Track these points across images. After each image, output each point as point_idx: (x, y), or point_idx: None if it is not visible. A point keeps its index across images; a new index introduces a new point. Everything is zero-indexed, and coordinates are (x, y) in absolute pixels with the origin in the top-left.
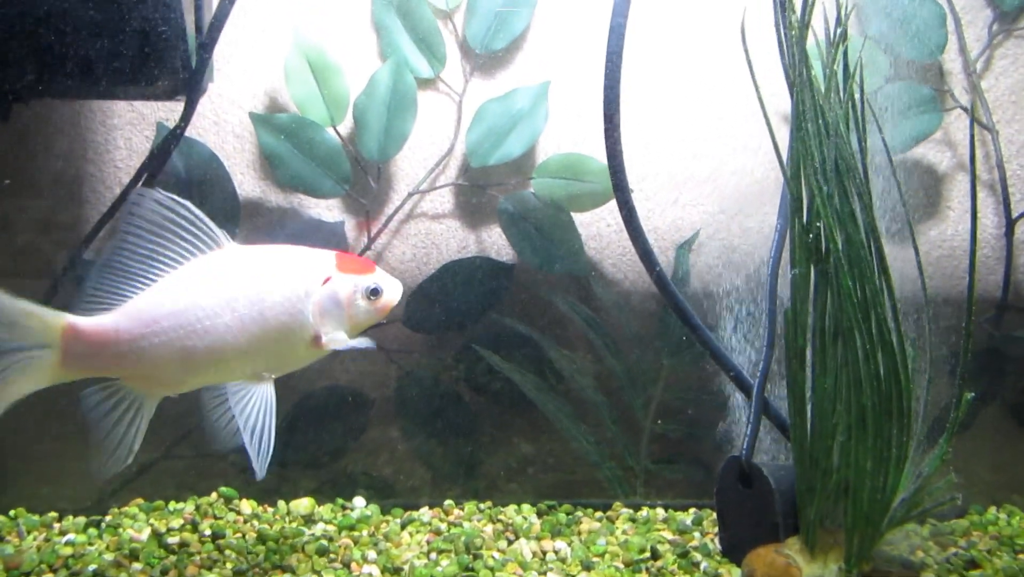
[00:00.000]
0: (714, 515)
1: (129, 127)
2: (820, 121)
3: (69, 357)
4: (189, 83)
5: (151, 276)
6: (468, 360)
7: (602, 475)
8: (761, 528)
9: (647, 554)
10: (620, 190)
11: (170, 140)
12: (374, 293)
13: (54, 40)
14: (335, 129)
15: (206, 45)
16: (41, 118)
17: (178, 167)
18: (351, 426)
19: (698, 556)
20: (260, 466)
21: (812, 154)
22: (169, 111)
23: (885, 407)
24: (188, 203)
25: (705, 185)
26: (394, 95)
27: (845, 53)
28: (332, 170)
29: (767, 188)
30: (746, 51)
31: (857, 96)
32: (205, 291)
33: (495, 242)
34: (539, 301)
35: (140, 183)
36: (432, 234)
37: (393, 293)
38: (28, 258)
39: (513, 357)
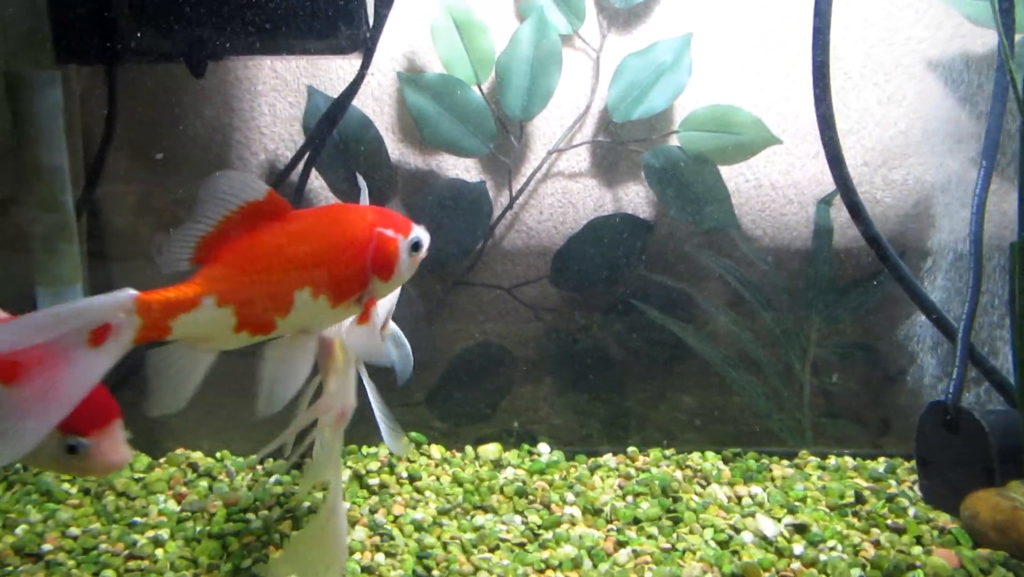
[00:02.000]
0: (906, 464)
1: (273, 93)
2: None
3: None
4: (369, 37)
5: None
6: (619, 315)
7: (775, 426)
8: (971, 474)
9: (851, 499)
10: (835, 163)
11: (348, 94)
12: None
13: None
14: (479, 87)
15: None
16: (189, 86)
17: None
18: (503, 381)
19: (905, 501)
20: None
21: None
22: (311, 76)
23: None
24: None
25: (848, 137)
26: (537, 52)
27: None
28: (478, 128)
29: (912, 140)
30: None
31: None
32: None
33: (631, 200)
34: (680, 257)
35: (320, 140)
36: (568, 192)
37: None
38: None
39: (663, 312)
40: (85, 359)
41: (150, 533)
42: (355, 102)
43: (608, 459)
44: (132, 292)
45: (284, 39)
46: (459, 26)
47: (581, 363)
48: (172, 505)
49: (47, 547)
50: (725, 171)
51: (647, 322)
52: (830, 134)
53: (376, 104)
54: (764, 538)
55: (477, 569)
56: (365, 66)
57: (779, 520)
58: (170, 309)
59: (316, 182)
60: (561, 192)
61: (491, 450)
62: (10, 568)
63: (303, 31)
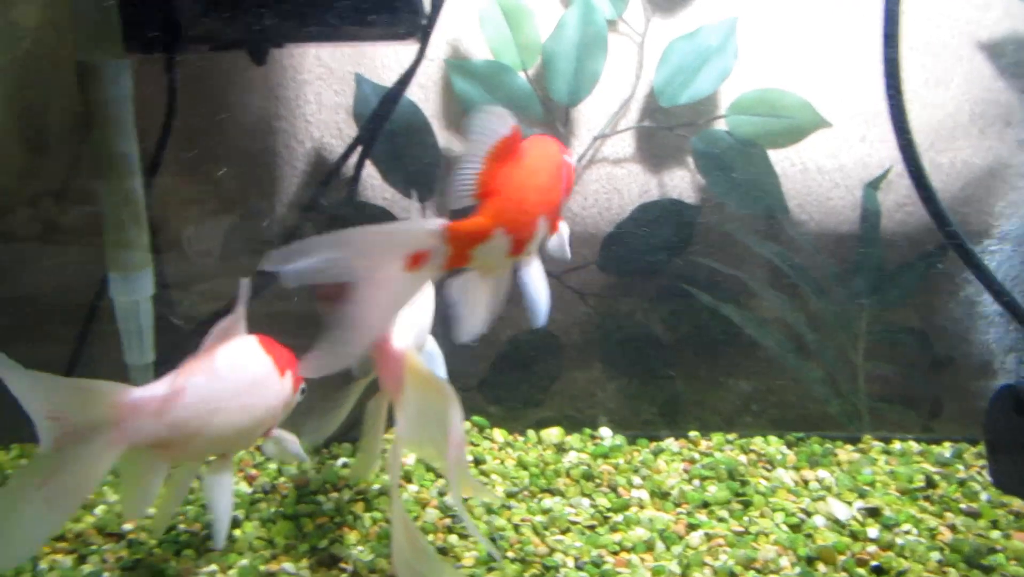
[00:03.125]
0: (972, 449)
1: (319, 81)
2: None
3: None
4: (426, 24)
5: None
6: (667, 299)
7: (833, 410)
8: None
9: (921, 483)
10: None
11: (403, 81)
12: (303, 392)
13: None
14: (525, 73)
15: None
16: (234, 75)
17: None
18: (553, 366)
19: (976, 486)
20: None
21: None
22: (356, 64)
23: None
24: None
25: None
26: (583, 37)
27: None
28: (524, 114)
29: (960, 122)
30: None
31: None
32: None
33: (676, 185)
34: (728, 241)
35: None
36: (613, 178)
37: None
38: (232, 207)
39: (714, 297)
40: (402, 281)
41: None
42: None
43: (670, 443)
44: (442, 221)
45: (344, 26)
46: (506, 12)
47: (631, 348)
48: (244, 487)
49: (127, 527)
50: (771, 156)
51: (696, 307)
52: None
53: (422, 91)
54: (837, 522)
55: (552, 550)
56: (422, 52)
57: (850, 504)
58: (472, 239)
59: (366, 170)
60: (606, 178)
61: (553, 434)
62: (94, 547)
63: (363, 17)
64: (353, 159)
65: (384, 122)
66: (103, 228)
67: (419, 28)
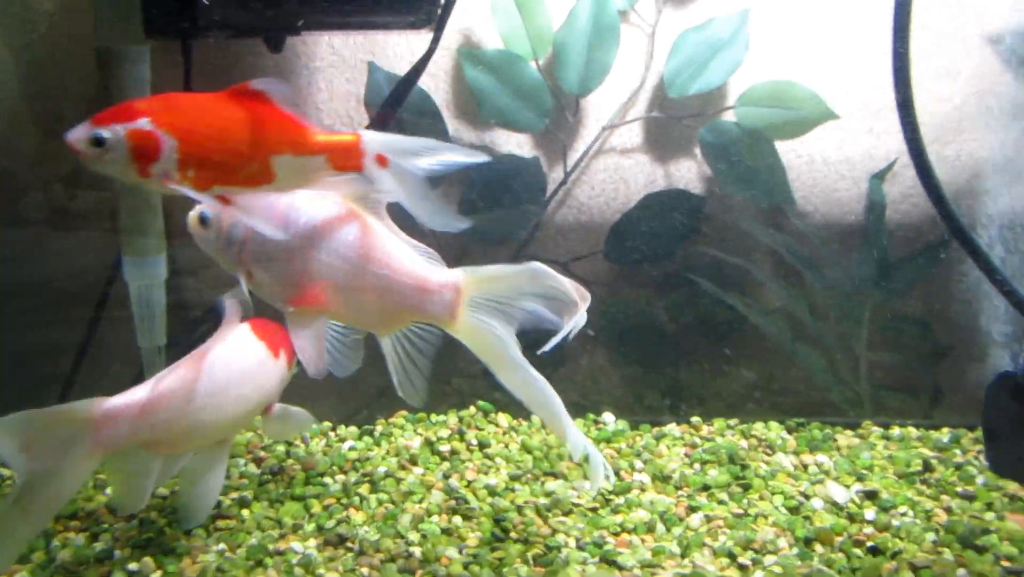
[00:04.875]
0: (970, 434)
1: (331, 69)
2: None
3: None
4: (441, 13)
5: None
6: (673, 289)
7: (834, 397)
8: None
9: (919, 467)
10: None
11: (416, 69)
12: (298, 364)
13: None
14: (537, 63)
15: None
16: (245, 63)
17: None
18: (557, 353)
19: (972, 470)
20: None
21: None
22: (368, 52)
23: None
24: None
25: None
26: (595, 27)
27: None
28: (535, 104)
29: (966, 115)
30: None
31: None
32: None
33: (683, 176)
34: (733, 232)
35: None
36: (620, 169)
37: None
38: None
39: (718, 287)
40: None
41: (234, 495)
42: None
43: (672, 428)
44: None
45: (361, 14)
46: (518, 2)
47: (637, 336)
48: (252, 468)
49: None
50: (777, 147)
51: (701, 296)
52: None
53: (432, 80)
54: (835, 504)
55: (555, 531)
56: (436, 40)
57: (848, 487)
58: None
59: None
60: (613, 168)
61: None
62: (106, 525)
63: (380, 6)
64: None
65: (396, 109)
66: (118, 213)
67: (434, 17)
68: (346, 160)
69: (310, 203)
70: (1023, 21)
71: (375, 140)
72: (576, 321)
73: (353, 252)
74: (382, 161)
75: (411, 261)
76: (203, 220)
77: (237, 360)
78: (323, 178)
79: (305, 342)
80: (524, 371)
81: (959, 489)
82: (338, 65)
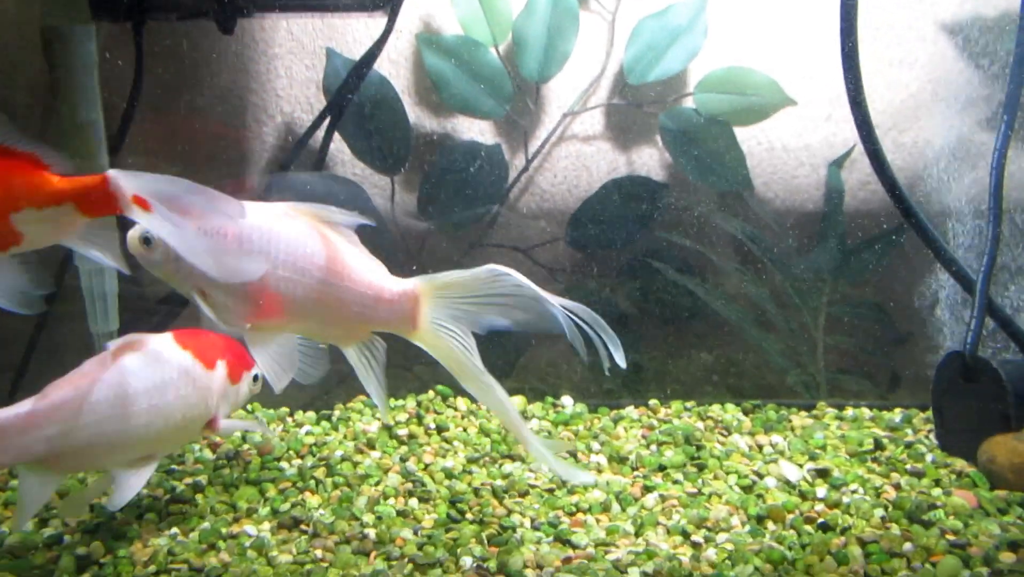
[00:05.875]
0: (921, 415)
1: (290, 56)
2: None
3: None
4: None
5: None
6: (634, 275)
7: (791, 380)
8: (987, 421)
9: (870, 446)
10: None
11: (372, 53)
12: (255, 379)
13: None
14: (496, 49)
15: None
16: (204, 48)
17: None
18: (521, 339)
19: (922, 448)
20: None
21: None
22: (327, 39)
23: None
24: None
25: None
26: (554, 13)
27: None
28: (495, 90)
29: (922, 103)
30: None
31: None
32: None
33: (645, 162)
34: (694, 218)
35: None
36: (583, 156)
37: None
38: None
39: (679, 272)
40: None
41: (188, 480)
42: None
43: (630, 411)
44: None
45: None
46: None
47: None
48: (208, 454)
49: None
50: (737, 134)
51: (662, 282)
52: (856, 88)
53: (393, 67)
54: (787, 482)
55: (510, 512)
56: (391, 24)
57: (801, 466)
58: None
59: (335, 144)
60: (575, 155)
61: (516, 402)
62: (55, 510)
63: None
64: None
65: (352, 94)
66: None
67: (388, 0)
68: (99, 205)
69: (264, 218)
70: (977, 10)
71: (126, 181)
72: (565, 318)
73: (312, 266)
74: (142, 204)
75: (370, 272)
76: (146, 241)
77: (149, 370)
78: (78, 228)
79: (268, 359)
80: (483, 377)
81: (908, 467)
82: (297, 51)
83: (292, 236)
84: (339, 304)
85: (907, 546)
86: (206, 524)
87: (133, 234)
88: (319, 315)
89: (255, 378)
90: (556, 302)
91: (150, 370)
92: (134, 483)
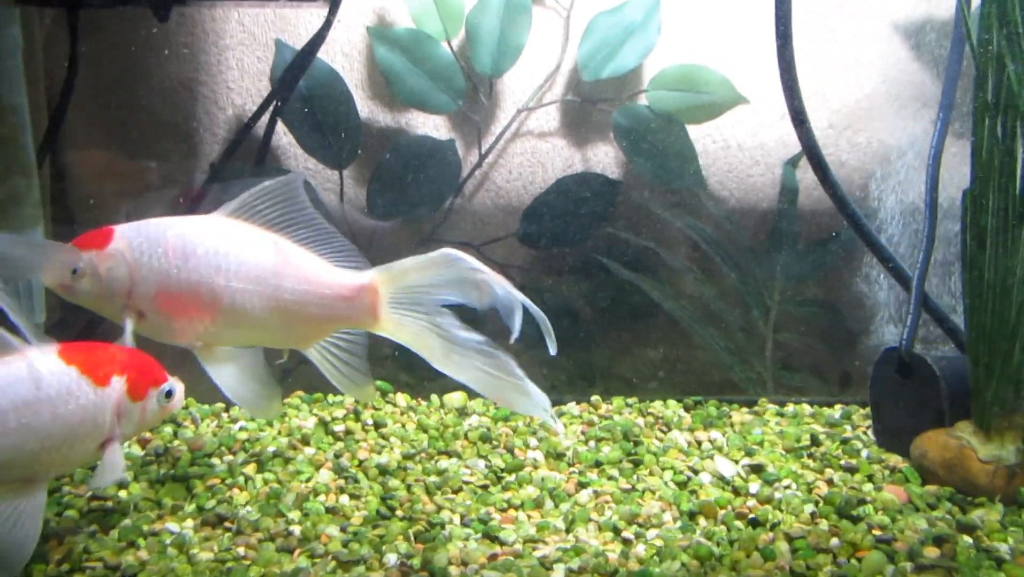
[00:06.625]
0: (861, 411)
1: (241, 47)
2: None
3: None
4: None
5: None
6: (586, 272)
7: (737, 376)
8: (922, 416)
9: (807, 442)
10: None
11: (314, 43)
12: (168, 395)
13: None
14: (449, 43)
15: None
16: (153, 39)
17: (299, 85)
18: None
19: (858, 444)
20: None
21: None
22: (279, 31)
23: None
24: None
25: (813, 100)
26: (507, 7)
27: None
28: (447, 85)
29: (876, 103)
30: None
31: None
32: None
33: (600, 159)
34: (648, 216)
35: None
36: (538, 152)
37: (180, 395)
38: (152, 173)
39: (630, 270)
40: None
41: None
42: (324, 58)
43: (571, 407)
44: None
45: None
46: None
47: (548, 318)
48: (136, 450)
49: None
50: (692, 132)
51: (614, 279)
52: (791, 80)
53: (345, 60)
54: (721, 478)
55: (440, 508)
56: (332, 13)
57: (736, 462)
58: None
59: (285, 138)
60: (530, 151)
61: (456, 398)
62: None
63: None
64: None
65: (293, 85)
66: None
67: None
68: None
69: (205, 230)
70: (930, 11)
71: None
72: (516, 302)
73: (265, 273)
74: None
75: (325, 271)
76: (73, 271)
77: (21, 387)
78: None
79: (227, 377)
80: (460, 352)
81: (843, 462)
82: (248, 43)
83: (239, 246)
84: (298, 307)
85: (834, 542)
86: (127, 521)
87: (57, 267)
88: (278, 322)
89: (168, 394)
90: (509, 287)
91: (21, 387)
92: (28, 535)
